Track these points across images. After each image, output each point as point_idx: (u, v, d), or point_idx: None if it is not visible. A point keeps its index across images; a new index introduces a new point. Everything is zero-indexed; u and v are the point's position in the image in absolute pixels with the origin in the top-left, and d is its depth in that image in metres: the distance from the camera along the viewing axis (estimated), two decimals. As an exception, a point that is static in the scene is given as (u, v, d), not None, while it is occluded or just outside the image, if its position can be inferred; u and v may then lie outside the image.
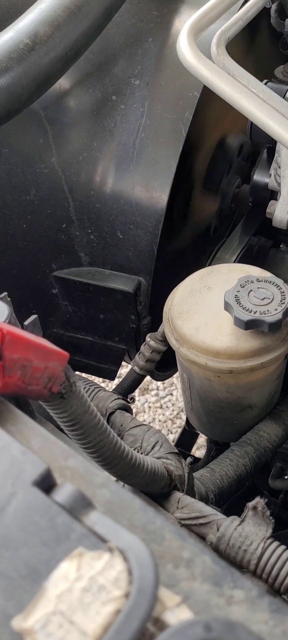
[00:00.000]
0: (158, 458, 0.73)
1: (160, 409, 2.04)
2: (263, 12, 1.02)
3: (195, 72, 0.82)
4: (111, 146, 1.04)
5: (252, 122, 0.89)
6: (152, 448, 0.76)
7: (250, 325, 0.81)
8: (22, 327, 0.54)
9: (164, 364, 1.11)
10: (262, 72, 1.07)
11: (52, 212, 1.07)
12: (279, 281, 0.86)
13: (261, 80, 0.85)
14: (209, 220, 1.26)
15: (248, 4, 0.91)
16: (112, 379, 1.17)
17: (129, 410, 0.85)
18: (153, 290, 1.06)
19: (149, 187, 1.02)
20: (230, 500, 0.93)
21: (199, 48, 0.83)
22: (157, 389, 2.08)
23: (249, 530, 0.64)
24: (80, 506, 0.37)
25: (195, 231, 1.24)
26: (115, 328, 1.11)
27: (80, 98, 1.07)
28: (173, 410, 2.03)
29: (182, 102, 1.02)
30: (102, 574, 0.33)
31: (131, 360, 1.08)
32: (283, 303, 0.82)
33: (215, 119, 1.21)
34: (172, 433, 1.96)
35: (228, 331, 0.84)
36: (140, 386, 1.24)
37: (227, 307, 0.83)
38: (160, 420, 2.00)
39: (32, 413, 0.62)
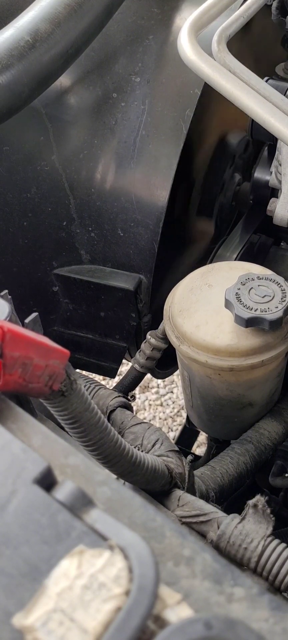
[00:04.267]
0: (158, 456, 0.73)
1: (160, 407, 2.04)
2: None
3: (196, 70, 0.82)
4: (112, 144, 1.04)
5: (253, 120, 0.89)
6: (153, 446, 0.76)
7: (251, 323, 0.81)
8: (23, 324, 0.54)
9: (165, 362, 1.11)
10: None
11: (52, 210, 1.07)
12: (280, 279, 0.86)
13: (262, 78, 0.85)
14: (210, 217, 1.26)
15: (249, 1, 0.91)
16: (113, 376, 1.17)
17: (129, 408, 0.85)
18: (154, 287, 1.06)
19: (150, 184, 1.02)
20: (231, 498, 0.93)
21: (200, 45, 0.83)
22: (158, 386, 2.08)
23: (250, 528, 0.64)
24: (80, 504, 0.37)
25: (195, 229, 1.24)
26: (115, 326, 1.11)
27: (80, 95, 1.07)
28: (173, 408, 2.03)
29: (182, 100, 1.02)
30: (102, 571, 0.33)
31: (132, 358, 1.08)
32: (284, 301, 0.82)
33: (216, 116, 1.21)
34: (172, 431, 1.96)
35: (228, 329, 0.84)
36: (141, 384, 1.25)
37: (228, 304, 0.83)
38: (160, 418, 2.00)
39: (33, 411, 0.62)
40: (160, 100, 1.03)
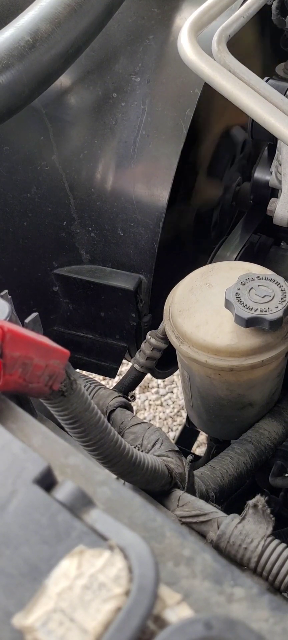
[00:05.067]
0: (158, 456, 0.73)
1: (160, 407, 2.04)
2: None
3: (196, 69, 0.82)
4: (112, 144, 1.04)
5: (253, 120, 0.89)
6: (153, 446, 0.76)
7: (251, 323, 0.81)
8: (23, 324, 0.54)
9: (165, 362, 1.11)
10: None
11: (52, 210, 1.07)
12: (280, 279, 0.86)
13: (262, 78, 0.85)
14: (210, 218, 1.26)
15: (249, 1, 0.91)
16: (113, 376, 1.17)
17: (129, 408, 0.85)
18: (154, 287, 1.06)
19: (150, 184, 1.02)
20: (231, 498, 0.93)
21: (200, 45, 0.82)
22: (158, 386, 2.08)
23: (249, 528, 0.64)
24: (80, 504, 0.37)
25: (196, 228, 1.24)
26: (115, 326, 1.11)
27: (81, 95, 1.07)
28: (173, 407, 2.03)
29: (182, 100, 1.02)
30: (102, 571, 0.33)
31: (132, 358, 1.08)
32: (284, 301, 0.82)
33: (216, 115, 1.21)
34: (172, 431, 1.96)
35: (228, 329, 0.84)
36: (141, 384, 1.25)
37: (228, 304, 0.83)
38: (160, 418, 2.00)
39: (33, 411, 0.62)
40: (160, 100, 1.03)
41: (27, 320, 0.57)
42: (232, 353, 0.83)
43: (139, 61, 1.06)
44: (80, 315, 1.13)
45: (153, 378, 1.66)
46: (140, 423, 0.80)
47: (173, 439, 1.56)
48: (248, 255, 1.06)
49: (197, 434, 1.60)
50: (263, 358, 0.83)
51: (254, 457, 0.89)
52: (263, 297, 0.83)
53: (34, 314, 0.58)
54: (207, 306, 0.87)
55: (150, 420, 1.96)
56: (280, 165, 0.97)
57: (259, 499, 0.65)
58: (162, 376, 1.28)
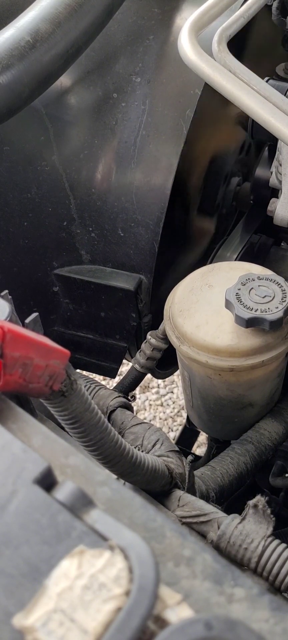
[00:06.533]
0: (159, 456, 0.73)
1: (161, 407, 2.04)
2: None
3: (196, 70, 0.82)
4: (112, 144, 1.04)
5: (253, 120, 0.89)
6: (153, 446, 0.76)
7: (251, 323, 0.81)
8: (23, 325, 0.54)
9: (165, 362, 1.11)
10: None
11: (53, 210, 1.07)
12: (280, 279, 0.86)
13: (262, 78, 0.85)
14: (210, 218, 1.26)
15: (249, 1, 0.91)
16: (113, 376, 1.17)
17: (129, 408, 0.85)
18: (154, 288, 1.06)
19: (150, 184, 1.02)
20: (231, 498, 0.93)
21: (200, 45, 0.83)
22: (158, 386, 2.08)
23: (250, 529, 0.64)
24: (81, 504, 0.37)
25: (196, 229, 1.24)
26: (116, 326, 1.11)
27: (81, 96, 1.07)
28: (174, 408, 2.03)
29: (183, 100, 1.02)
30: (102, 572, 0.33)
31: (132, 358, 1.08)
32: (284, 301, 0.82)
33: (215, 117, 1.21)
34: (172, 431, 1.96)
35: (229, 329, 0.84)
36: (141, 384, 1.25)
37: (228, 305, 0.83)
38: (160, 418, 2.00)
39: (33, 411, 0.62)
40: (160, 100, 1.03)
41: (27, 321, 0.57)
42: (232, 353, 0.83)
43: (139, 61, 1.06)
44: (80, 315, 1.13)
45: (154, 378, 1.66)
46: (141, 423, 0.80)
47: (174, 439, 1.56)
48: (248, 255, 1.06)
49: (197, 434, 1.60)
50: (264, 358, 0.83)
51: (254, 458, 0.89)
52: (263, 297, 0.83)
53: (34, 314, 0.58)
54: (207, 306, 0.87)
55: (150, 421, 1.96)
56: (280, 165, 0.97)
57: (259, 499, 0.65)
58: (163, 376, 1.28)
